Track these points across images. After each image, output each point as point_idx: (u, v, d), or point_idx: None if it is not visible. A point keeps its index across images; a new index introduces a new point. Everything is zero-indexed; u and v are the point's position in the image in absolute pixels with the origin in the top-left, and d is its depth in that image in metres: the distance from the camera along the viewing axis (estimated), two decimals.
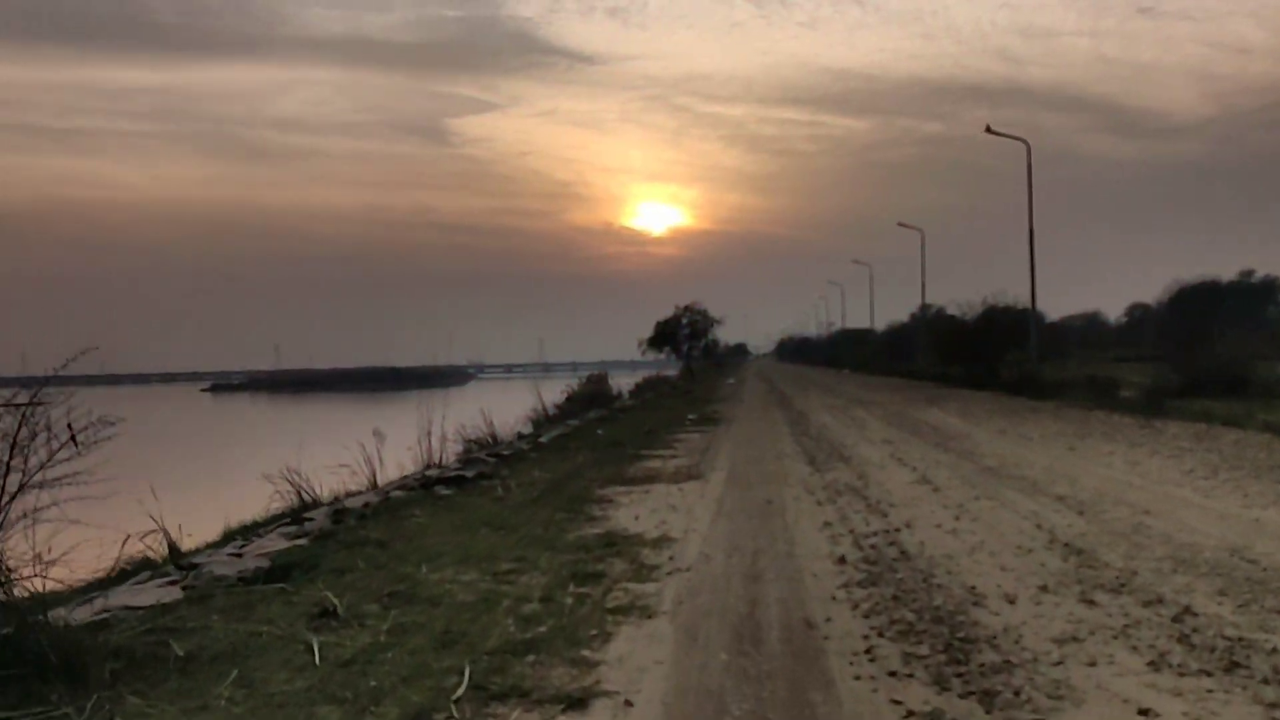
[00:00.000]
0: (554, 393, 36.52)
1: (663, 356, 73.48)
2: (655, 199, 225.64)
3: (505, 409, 29.67)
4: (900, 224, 58.36)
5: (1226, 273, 75.47)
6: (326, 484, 13.94)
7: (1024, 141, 37.07)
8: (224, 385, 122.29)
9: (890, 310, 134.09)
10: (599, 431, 22.60)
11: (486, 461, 14.70)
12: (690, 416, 26.41)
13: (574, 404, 34.48)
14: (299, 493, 12.86)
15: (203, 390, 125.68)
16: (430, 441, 15.64)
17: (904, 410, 26.16)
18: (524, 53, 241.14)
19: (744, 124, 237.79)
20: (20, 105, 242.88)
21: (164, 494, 9.84)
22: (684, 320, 70.61)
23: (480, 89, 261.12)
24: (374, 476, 14.11)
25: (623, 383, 51.56)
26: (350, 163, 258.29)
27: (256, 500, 13.47)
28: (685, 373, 67.14)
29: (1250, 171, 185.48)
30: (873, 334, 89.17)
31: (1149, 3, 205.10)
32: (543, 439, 20.76)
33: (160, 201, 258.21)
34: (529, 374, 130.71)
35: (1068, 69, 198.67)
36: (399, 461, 16.00)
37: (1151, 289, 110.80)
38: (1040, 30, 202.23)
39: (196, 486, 16.15)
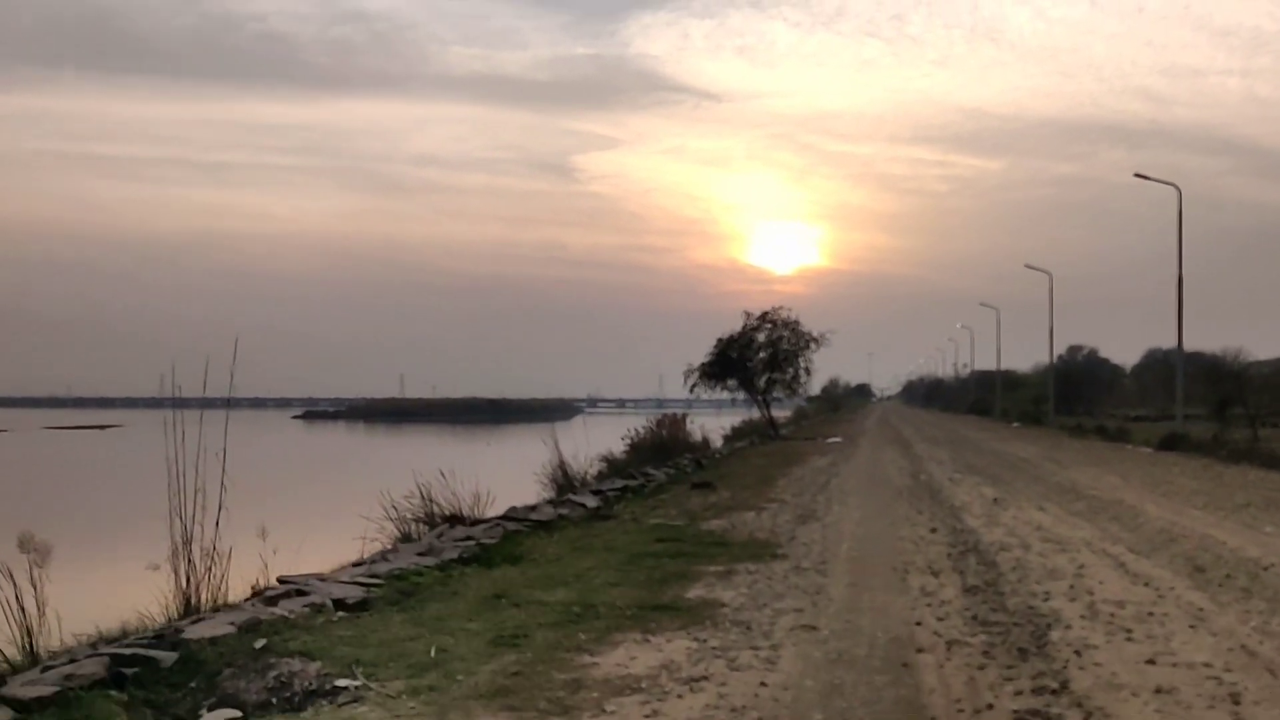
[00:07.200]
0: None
1: (726, 395, 42.47)
2: (781, 237, 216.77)
3: (571, 452, 22.15)
4: (1028, 266, 49.32)
5: None
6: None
7: (1174, 186, 34.64)
8: (316, 413, 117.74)
9: (1013, 356, 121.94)
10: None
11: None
12: None
13: (637, 454, 26.56)
14: None
15: (294, 417, 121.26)
16: (191, 562, 7.61)
17: None
18: (652, 90, 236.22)
19: (873, 162, 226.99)
20: (174, 140, 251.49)
21: None
22: (759, 338, 41.27)
23: (608, 126, 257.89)
24: (30, 640, 6.66)
25: (726, 424, 43.26)
26: (483, 198, 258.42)
27: None
28: (766, 421, 42.50)
29: None
30: (1013, 375, 78.95)
31: None
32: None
33: (300, 233, 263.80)
34: (641, 409, 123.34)
35: (1216, 109, 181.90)
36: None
37: None
38: (1186, 70, 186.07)
39: None
